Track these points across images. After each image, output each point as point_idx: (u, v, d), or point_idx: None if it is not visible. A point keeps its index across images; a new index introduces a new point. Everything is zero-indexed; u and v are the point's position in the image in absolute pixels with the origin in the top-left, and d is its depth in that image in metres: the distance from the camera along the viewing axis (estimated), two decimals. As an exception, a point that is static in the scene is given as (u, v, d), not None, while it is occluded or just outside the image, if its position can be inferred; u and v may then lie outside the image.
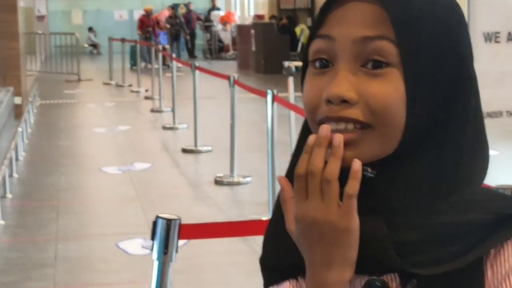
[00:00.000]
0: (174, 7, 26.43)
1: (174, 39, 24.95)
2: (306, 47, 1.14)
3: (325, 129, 1.05)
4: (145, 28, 23.58)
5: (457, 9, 1.12)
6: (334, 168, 1.03)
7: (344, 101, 1.06)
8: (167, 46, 18.16)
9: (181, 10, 27.10)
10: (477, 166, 1.11)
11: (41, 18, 29.59)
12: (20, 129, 9.92)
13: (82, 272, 5.70)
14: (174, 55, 13.57)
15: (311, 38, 1.12)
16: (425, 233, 1.05)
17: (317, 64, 1.10)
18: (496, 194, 1.11)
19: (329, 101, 1.06)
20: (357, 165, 1.04)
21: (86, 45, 30.37)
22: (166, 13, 25.64)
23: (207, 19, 28.87)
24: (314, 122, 1.10)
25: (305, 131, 1.15)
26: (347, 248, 1.05)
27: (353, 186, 1.03)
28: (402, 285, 1.07)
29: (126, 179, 8.60)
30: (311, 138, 1.05)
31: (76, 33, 21.19)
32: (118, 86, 18.41)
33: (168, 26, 24.95)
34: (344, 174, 1.05)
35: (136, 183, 8.35)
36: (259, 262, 1.19)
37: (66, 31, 24.32)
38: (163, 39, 24.17)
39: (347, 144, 1.05)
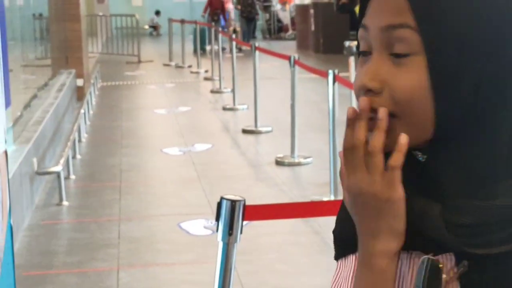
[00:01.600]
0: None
1: (247, 21, 24.86)
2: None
3: (364, 101, 1.07)
4: (213, 11, 23.52)
5: None
6: (378, 141, 1.06)
7: (370, 90, 1.08)
8: (238, 29, 18.07)
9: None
10: None
11: (101, 0, 29.83)
12: (82, 111, 10.03)
13: (145, 252, 5.75)
14: (234, 36, 13.56)
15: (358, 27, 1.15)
16: (480, 216, 1.04)
17: (361, 52, 1.13)
18: None
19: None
20: (404, 138, 1.05)
21: (146, 27, 30.55)
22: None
23: (266, -1, 28.82)
24: None
25: None
26: (392, 219, 1.07)
27: (397, 158, 1.05)
28: (457, 265, 1.06)
29: (187, 160, 8.64)
30: (350, 111, 1.08)
31: (136, 15, 21.33)
32: (178, 67, 18.50)
33: (239, 7, 24.91)
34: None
35: (197, 164, 8.39)
36: (332, 233, 1.22)
37: (126, 13, 24.47)
38: (222, 20, 24.17)
39: None
